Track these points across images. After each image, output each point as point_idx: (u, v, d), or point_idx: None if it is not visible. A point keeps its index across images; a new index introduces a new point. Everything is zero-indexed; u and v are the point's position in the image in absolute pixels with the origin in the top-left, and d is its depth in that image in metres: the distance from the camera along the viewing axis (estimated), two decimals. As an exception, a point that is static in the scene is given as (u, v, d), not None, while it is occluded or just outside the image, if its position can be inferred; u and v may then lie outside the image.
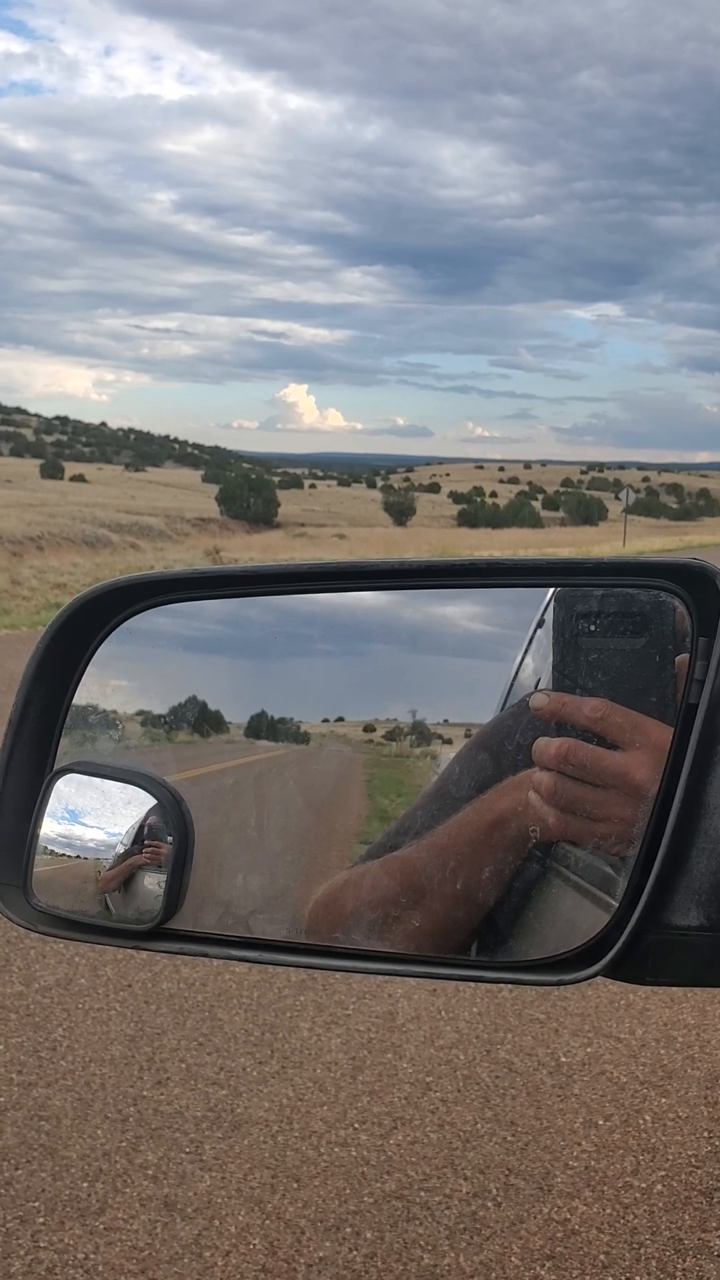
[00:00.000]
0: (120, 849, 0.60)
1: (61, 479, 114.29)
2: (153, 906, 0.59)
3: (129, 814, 0.59)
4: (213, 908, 0.62)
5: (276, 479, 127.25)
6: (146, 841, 0.59)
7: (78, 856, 0.61)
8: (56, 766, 0.62)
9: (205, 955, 0.62)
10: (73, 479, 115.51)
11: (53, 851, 0.61)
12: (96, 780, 0.61)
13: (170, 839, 0.59)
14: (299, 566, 0.67)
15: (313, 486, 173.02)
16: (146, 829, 0.59)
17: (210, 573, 0.72)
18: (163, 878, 0.59)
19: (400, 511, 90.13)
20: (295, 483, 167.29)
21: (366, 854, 0.63)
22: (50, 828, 0.60)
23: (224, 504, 74.00)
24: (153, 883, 0.59)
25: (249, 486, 78.54)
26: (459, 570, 0.64)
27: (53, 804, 0.61)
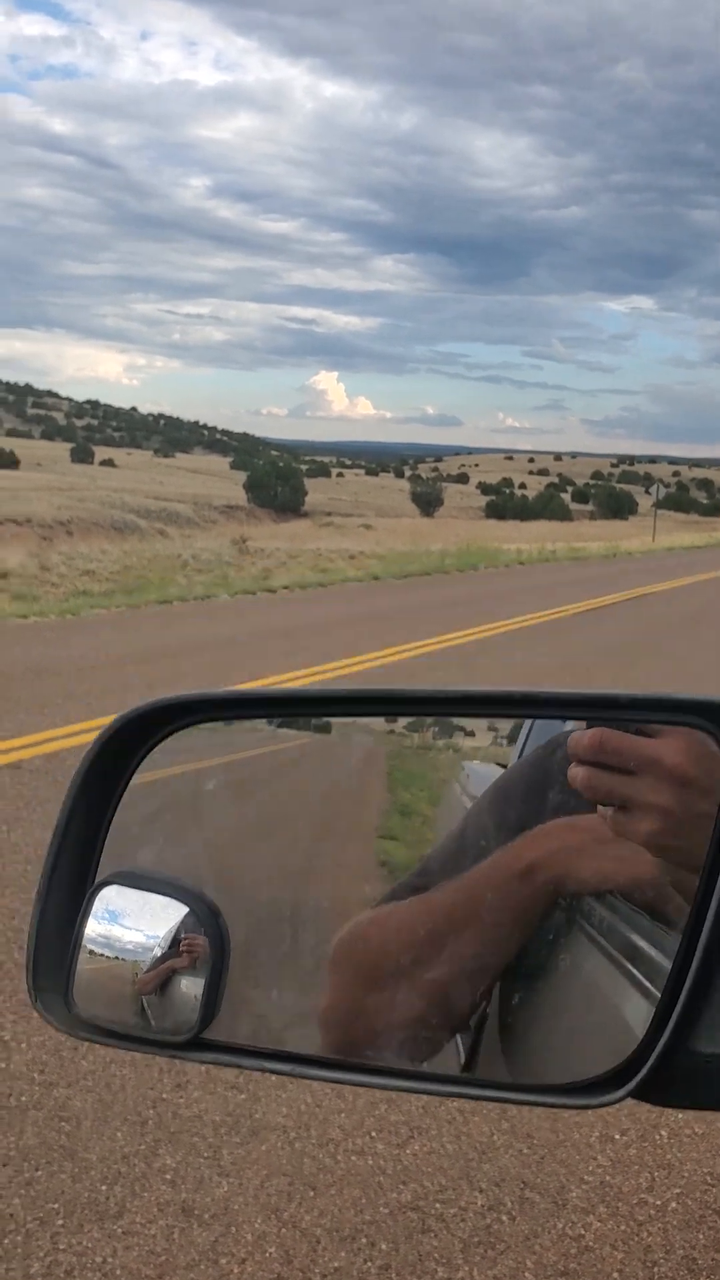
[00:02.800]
0: (158, 952, 0.61)
1: (91, 463, 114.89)
2: (189, 1016, 0.60)
3: (167, 920, 0.61)
4: (247, 1019, 0.63)
5: (304, 467, 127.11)
6: (183, 948, 0.60)
7: (117, 958, 0.62)
8: (99, 878, 0.64)
9: (239, 1067, 0.63)
10: (102, 463, 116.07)
11: (93, 952, 0.62)
12: (137, 891, 0.63)
13: (206, 945, 0.61)
14: (340, 692, 0.70)
15: (340, 475, 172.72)
16: (183, 935, 0.61)
17: (254, 695, 0.78)
18: (198, 980, 0.60)
19: (428, 502, 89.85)
20: (323, 471, 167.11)
21: (390, 893, 0.64)
22: (92, 928, 0.62)
23: (251, 491, 74.09)
24: (189, 986, 0.60)
25: (276, 474, 78.53)
26: (494, 700, 0.65)
27: (96, 907, 0.62)
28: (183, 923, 0.61)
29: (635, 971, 0.56)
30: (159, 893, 0.62)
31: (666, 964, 0.53)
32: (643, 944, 0.56)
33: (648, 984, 0.55)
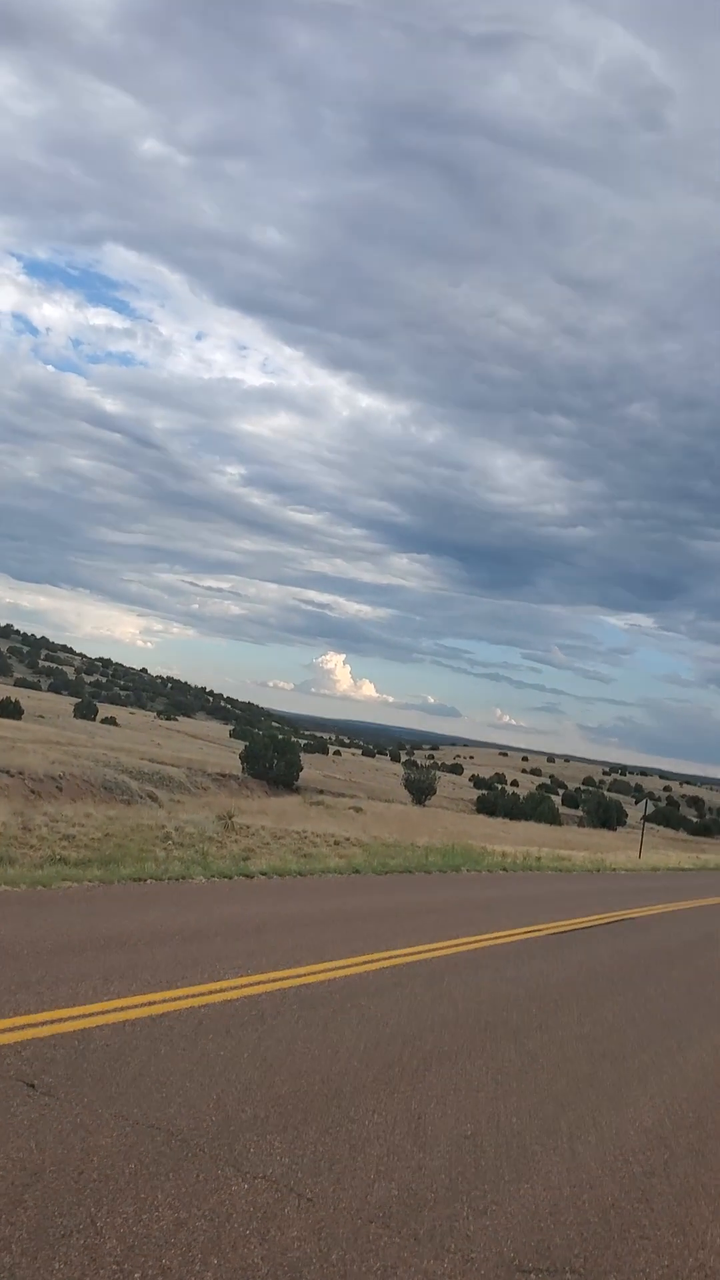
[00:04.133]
0: None
1: (93, 719, 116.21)
2: None
3: None
4: None
5: (303, 741, 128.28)
6: None
7: None
8: None
9: None
10: (104, 720, 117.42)
11: None
12: None
13: None
14: None
15: (338, 753, 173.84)
16: None
17: None
18: None
19: (420, 789, 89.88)
20: (321, 747, 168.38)
21: None
22: None
23: (247, 762, 74.43)
24: None
25: (274, 747, 79.16)
26: None
27: None
28: None
29: None
30: None
31: None
32: None
33: None
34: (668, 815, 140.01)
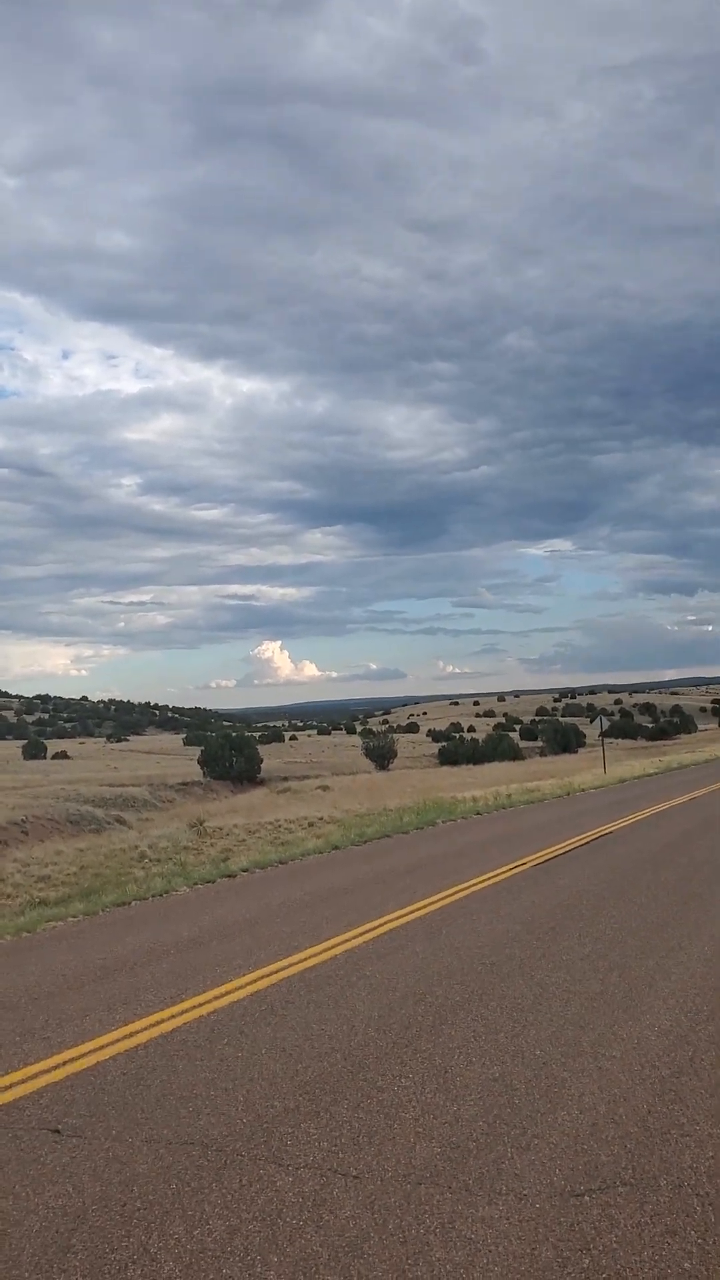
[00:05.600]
0: None
1: (44, 758, 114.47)
2: None
3: None
4: None
5: (258, 734, 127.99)
6: None
7: None
8: None
9: None
10: (55, 756, 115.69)
11: None
12: None
13: None
14: None
15: (294, 738, 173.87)
16: None
17: None
18: None
19: (381, 756, 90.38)
20: (277, 736, 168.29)
21: None
22: None
23: (207, 766, 74.00)
24: None
25: (230, 745, 78.76)
26: None
27: None
28: None
29: None
30: None
31: None
32: None
33: None
34: (624, 727, 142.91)
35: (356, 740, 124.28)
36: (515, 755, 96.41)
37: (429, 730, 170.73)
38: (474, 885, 10.38)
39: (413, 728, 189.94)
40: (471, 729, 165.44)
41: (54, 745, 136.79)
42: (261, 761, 78.25)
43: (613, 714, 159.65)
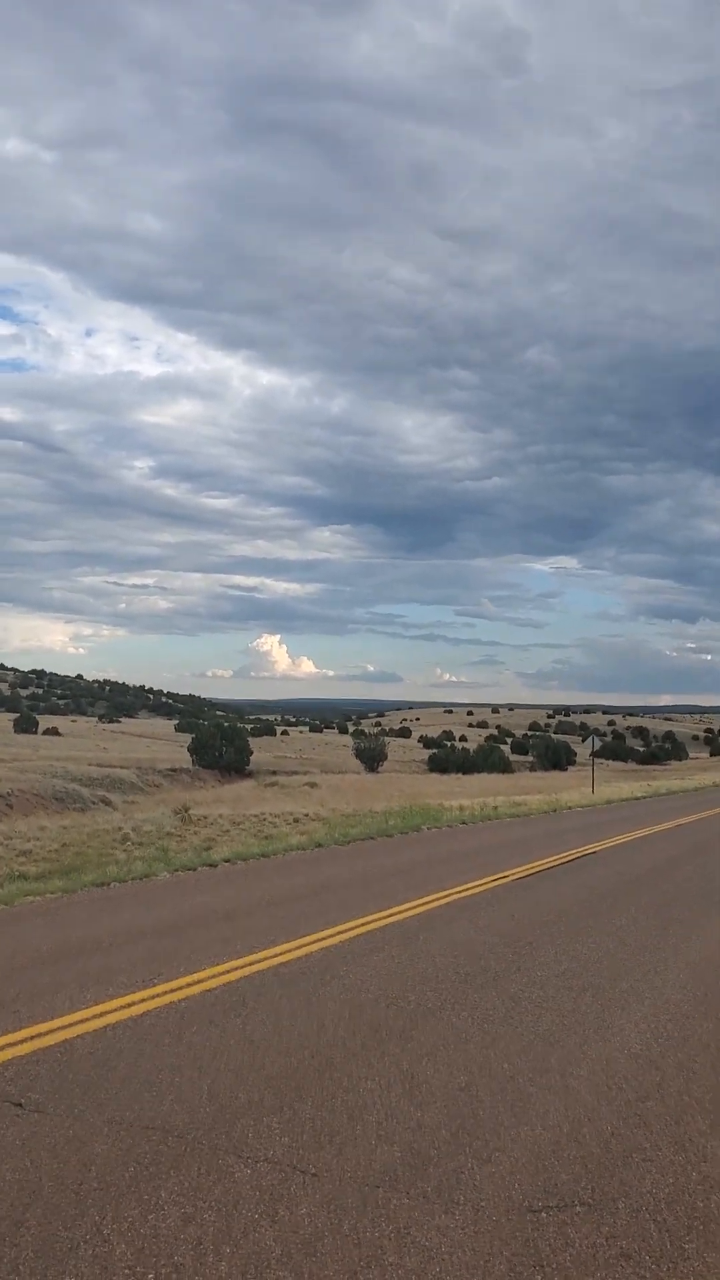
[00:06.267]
0: None
1: (35, 733, 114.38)
2: None
3: None
4: None
5: (249, 726, 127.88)
6: None
7: None
8: None
9: None
10: (46, 732, 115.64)
11: None
12: None
13: None
14: None
15: (285, 733, 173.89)
16: None
17: None
18: None
19: (371, 757, 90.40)
20: (269, 729, 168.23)
21: None
22: None
23: (196, 753, 73.99)
24: None
25: (221, 735, 78.77)
26: None
27: None
28: None
29: None
30: None
31: None
32: None
33: None
34: (615, 749, 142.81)
35: (348, 740, 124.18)
36: (505, 768, 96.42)
37: (421, 736, 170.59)
38: (454, 894, 10.37)
39: (405, 732, 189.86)
40: (463, 738, 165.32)
41: (46, 721, 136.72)
42: (251, 754, 78.26)
43: (605, 734, 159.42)
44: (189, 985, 6.23)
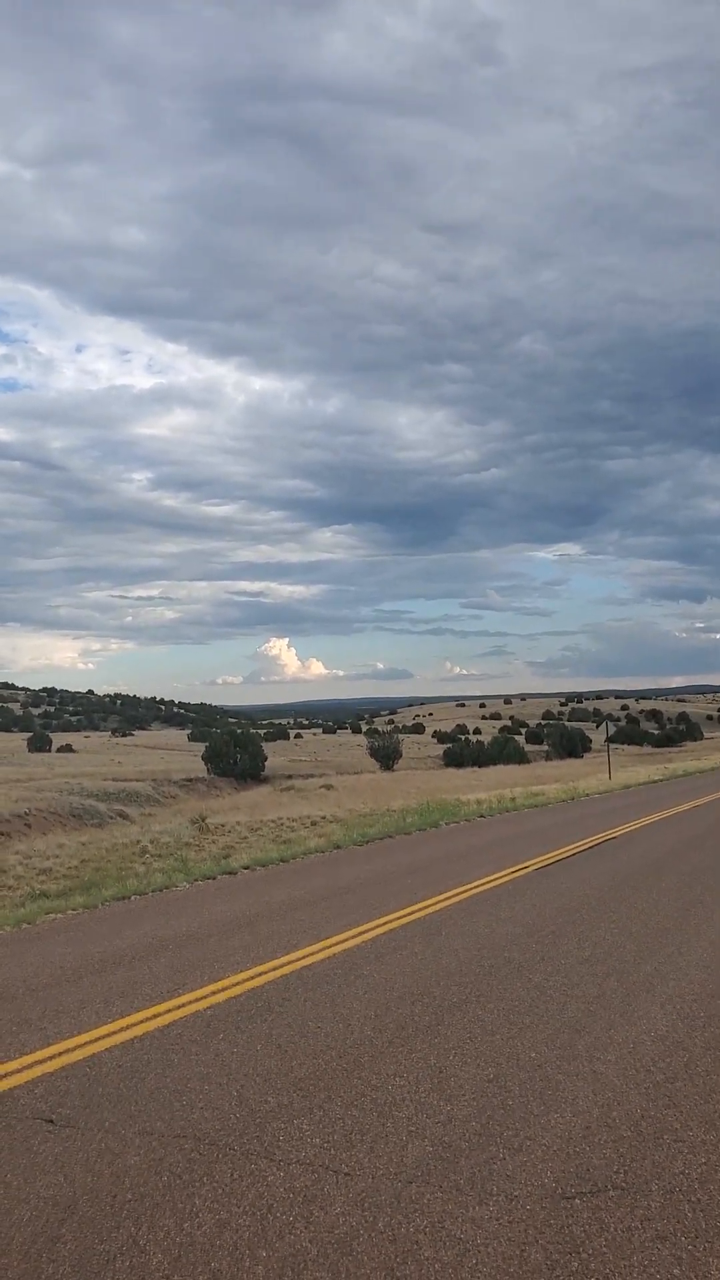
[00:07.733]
0: None
1: (49, 751, 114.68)
2: None
3: None
4: None
5: (262, 731, 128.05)
6: None
7: None
8: None
9: None
10: (60, 749, 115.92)
11: None
12: None
13: None
14: None
15: (299, 736, 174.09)
16: None
17: None
18: None
19: (386, 756, 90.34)
20: (282, 733, 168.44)
21: None
22: None
23: (210, 762, 74.01)
24: None
25: (235, 742, 78.75)
26: None
27: None
28: None
29: None
30: None
31: None
32: None
33: None
34: (630, 733, 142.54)
35: (362, 740, 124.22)
36: (521, 758, 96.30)
37: (434, 731, 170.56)
38: (475, 887, 10.37)
39: (418, 728, 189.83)
40: (477, 731, 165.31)
41: (59, 738, 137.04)
42: (266, 759, 78.26)
43: (619, 720, 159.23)
44: (213, 993, 6.25)
